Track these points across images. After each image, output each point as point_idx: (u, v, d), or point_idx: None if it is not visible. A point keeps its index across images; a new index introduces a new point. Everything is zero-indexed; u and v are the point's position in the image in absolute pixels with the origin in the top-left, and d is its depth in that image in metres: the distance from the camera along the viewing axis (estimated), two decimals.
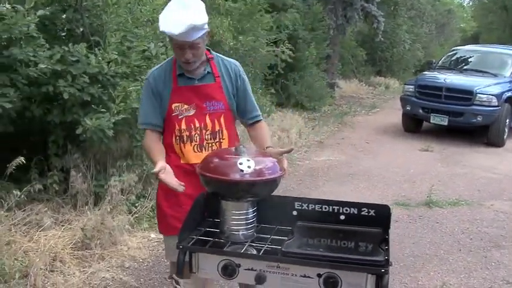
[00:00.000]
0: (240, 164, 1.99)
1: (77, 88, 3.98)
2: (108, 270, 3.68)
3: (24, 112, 4.18)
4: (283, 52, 8.94)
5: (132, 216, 4.40)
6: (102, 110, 4.05)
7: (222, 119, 2.50)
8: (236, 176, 1.98)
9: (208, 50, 2.52)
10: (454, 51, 12.13)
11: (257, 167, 2.01)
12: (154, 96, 2.47)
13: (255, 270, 1.93)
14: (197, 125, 2.46)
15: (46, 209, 4.12)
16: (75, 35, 4.30)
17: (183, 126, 2.46)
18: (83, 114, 4.14)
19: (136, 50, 4.34)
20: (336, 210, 2.22)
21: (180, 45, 2.33)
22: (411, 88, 10.12)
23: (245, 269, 1.94)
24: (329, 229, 2.16)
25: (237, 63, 2.62)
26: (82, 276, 3.56)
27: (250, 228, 2.11)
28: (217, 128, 2.48)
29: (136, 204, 4.57)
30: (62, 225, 4.09)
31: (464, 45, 14.51)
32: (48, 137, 4.56)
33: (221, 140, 2.51)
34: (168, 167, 2.31)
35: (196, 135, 2.46)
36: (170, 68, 2.50)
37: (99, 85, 4.13)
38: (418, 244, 4.62)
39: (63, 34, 4.42)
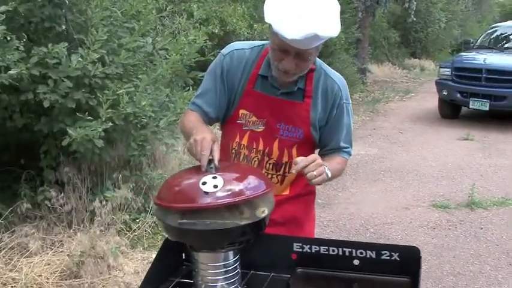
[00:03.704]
0: (204, 184, 1.44)
1: (60, 94, 3.51)
2: None
3: (5, 122, 3.75)
4: None
5: (131, 234, 3.93)
6: (88, 117, 3.56)
7: (294, 150, 1.87)
8: (201, 200, 1.42)
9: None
10: (494, 29, 11.32)
11: (228, 186, 1.45)
12: (222, 80, 1.84)
13: None
14: (260, 147, 1.86)
15: (34, 230, 3.69)
16: (57, 33, 3.81)
17: (244, 141, 1.86)
18: (72, 123, 3.67)
19: (127, 47, 3.83)
20: (347, 254, 1.68)
21: (286, 49, 1.67)
22: (447, 71, 9.42)
23: None
24: (337, 278, 1.65)
25: (343, 84, 1.89)
26: None
27: (230, 278, 1.57)
28: (284, 159, 1.87)
29: (137, 220, 4.10)
30: (52, 249, 3.65)
31: (504, 21, 13.52)
32: (39, 148, 4.13)
33: (285, 174, 1.89)
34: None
35: (255, 159, 1.86)
36: (254, 60, 1.84)
37: (84, 89, 3.65)
38: (459, 258, 3.98)
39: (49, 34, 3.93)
